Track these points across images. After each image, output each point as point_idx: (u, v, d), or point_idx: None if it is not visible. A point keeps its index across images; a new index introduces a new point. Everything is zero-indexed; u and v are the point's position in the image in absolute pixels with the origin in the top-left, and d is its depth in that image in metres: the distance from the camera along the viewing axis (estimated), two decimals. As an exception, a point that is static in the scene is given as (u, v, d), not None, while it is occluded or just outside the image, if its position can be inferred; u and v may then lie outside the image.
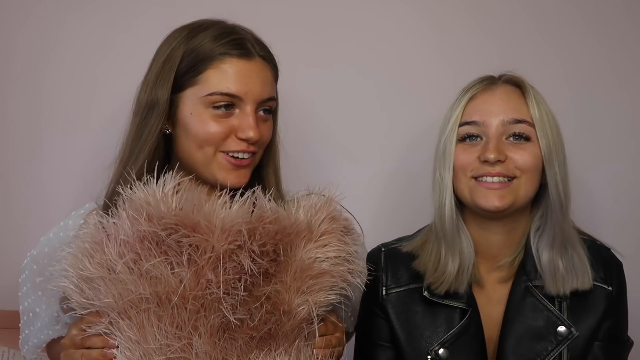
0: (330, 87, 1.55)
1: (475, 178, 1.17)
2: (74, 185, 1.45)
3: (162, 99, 1.07)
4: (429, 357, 1.17)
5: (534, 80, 1.20)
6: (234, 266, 0.95)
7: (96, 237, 0.98)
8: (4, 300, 1.43)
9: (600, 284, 1.19)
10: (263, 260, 0.97)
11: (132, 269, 0.95)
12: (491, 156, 1.13)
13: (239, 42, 1.08)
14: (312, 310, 1.00)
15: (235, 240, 0.95)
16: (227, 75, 1.06)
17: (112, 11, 1.52)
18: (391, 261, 1.25)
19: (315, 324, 1.01)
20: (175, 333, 0.95)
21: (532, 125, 1.16)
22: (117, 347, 0.97)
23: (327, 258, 1.02)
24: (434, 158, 1.21)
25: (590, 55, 1.57)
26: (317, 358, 1.03)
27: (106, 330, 0.98)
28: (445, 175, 1.17)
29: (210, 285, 0.94)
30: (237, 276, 0.95)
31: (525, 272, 1.19)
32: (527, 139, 1.16)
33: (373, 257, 1.26)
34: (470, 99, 1.18)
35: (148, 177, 1.01)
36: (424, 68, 1.57)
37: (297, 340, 1.02)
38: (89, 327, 0.99)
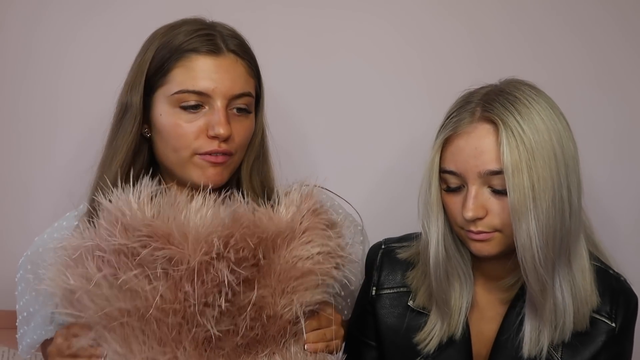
0: (328, 87, 1.54)
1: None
2: (76, 186, 1.45)
3: (135, 102, 1.05)
4: None
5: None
6: (212, 277, 0.92)
7: (76, 248, 0.96)
8: (4, 300, 1.44)
9: (603, 319, 1.10)
10: (242, 267, 0.94)
11: (112, 282, 0.93)
12: (468, 214, 1.03)
13: (207, 39, 1.04)
14: (298, 310, 0.97)
15: (210, 251, 0.92)
16: (192, 72, 1.03)
17: (113, 12, 1.51)
18: (387, 260, 1.21)
19: (302, 322, 0.99)
20: (159, 346, 0.93)
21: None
22: (105, 356, 0.96)
23: (310, 255, 0.99)
24: (418, 202, 1.11)
25: (589, 55, 1.56)
26: (309, 354, 1.01)
27: (92, 343, 0.96)
28: (432, 228, 1.09)
29: (188, 298, 0.92)
30: (217, 288, 0.92)
31: (523, 299, 1.10)
32: (507, 193, 1.01)
33: (372, 253, 1.24)
34: (446, 140, 1.06)
35: (124, 184, 0.99)
36: (422, 68, 1.56)
37: (286, 339, 1.00)
38: (76, 336, 0.98)
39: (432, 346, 1.13)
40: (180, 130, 1.04)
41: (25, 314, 1.14)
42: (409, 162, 1.45)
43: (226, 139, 1.04)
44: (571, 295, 1.07)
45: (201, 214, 0.95)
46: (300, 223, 1.00)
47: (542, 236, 1.01)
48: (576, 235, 1.07)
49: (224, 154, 1.05)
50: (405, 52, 1.55)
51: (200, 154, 1.04)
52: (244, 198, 1.01)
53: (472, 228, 1.05)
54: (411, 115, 1.56)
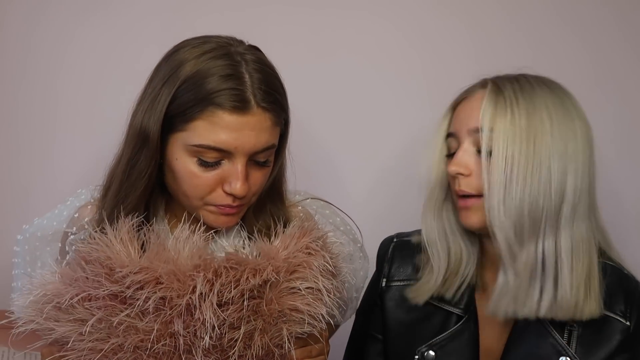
0: (328, 86, 1.54)
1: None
2: (76, 185, 1.45)
3: (153, 138, 0.99)
4: (416, 357, 1.14)
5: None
6: (198, 317, 0.93)
7: (62, 295, 0.96)
8: (4, 300, 1.43)
9: (617, 318, 1.08)
10: (227, 309, 0.95)
11: (102, 320, 0.94)
12: (451, 168, 1.03)
13: (235, 92, 0.97)
14: (286, 342, 0.98)
15: (194, 291, 0.93)
16: (216, 127, 0.97)
17: (112, 12, 1.51)
18: (399, 253, 1.21)
19: (291, 347, 1.00)
20: None
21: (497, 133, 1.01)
22: None
23: (301, 292, 0.99)
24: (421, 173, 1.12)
25: (589, 55, 1.56)
26: None
27: None
28: (434, 203, 1.10)
29: (177, 335, 0.93)
30: (203, 325, 0.93)
31: None
32: (490, 152, 1.00)
33: (383, 246, 1.24)
34: (455, 108, 1.08)
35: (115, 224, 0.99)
36: (422, 68, 1.56)
37: (274, 359, 1.01)
38: None
39: (422, 298, 1.12)
40: (195, 180, 1.00)
41: (18, 282, 1.15)
42: (409, 162, 1.45)
43: (242, 197, 1.01)
44: (571, 256, 1.04)
45: (189, 246, 0.96)
46: (294, 258, 1.00)
47: (512, 201, 0.99)
48: (557, 215, 1.03)
49: (238, 206, 1.03)
50: (405, 51, 1.55)
51: (212, 205, 1.03)
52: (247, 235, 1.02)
53: (456, 187, 1.05)
54: (411, 115, 1.56)
